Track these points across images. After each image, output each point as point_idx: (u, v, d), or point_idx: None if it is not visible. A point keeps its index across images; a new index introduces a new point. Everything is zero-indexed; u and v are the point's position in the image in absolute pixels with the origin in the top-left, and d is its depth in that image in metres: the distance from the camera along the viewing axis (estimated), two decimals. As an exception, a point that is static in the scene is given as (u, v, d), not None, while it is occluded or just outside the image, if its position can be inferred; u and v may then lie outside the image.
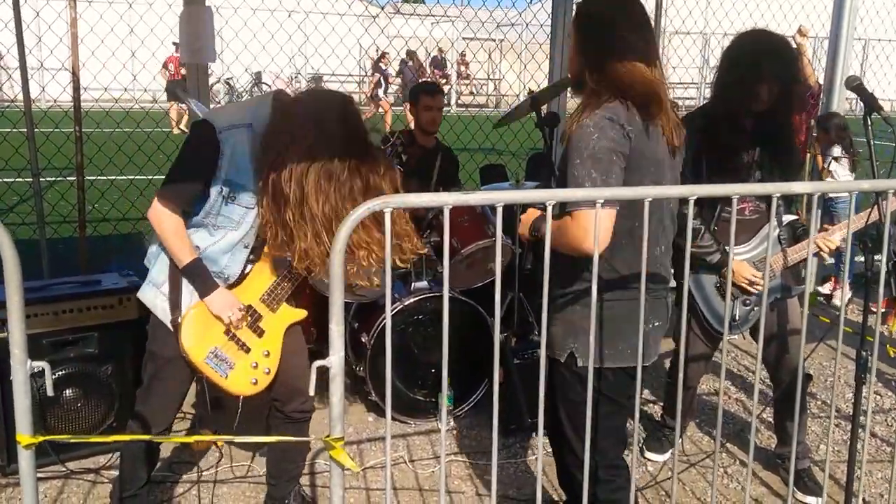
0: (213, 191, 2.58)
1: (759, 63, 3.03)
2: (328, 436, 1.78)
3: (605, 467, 2.41)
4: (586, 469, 2.19)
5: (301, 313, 2.92)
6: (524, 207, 2.39)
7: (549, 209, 1.85)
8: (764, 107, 3.09)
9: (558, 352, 2.38)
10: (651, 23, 2.37)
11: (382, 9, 19.25)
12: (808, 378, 3.47)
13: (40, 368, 1.76)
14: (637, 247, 2.25)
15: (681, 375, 2.27)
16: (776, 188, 2.08)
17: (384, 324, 3.91)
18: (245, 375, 2.78)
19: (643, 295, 2.12)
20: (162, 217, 2.60)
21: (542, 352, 2.05)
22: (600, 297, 2.22)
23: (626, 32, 2.25)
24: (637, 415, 2.29)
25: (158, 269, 2.71)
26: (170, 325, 2.68)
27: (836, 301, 6.17)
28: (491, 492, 2.09)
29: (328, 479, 3.51)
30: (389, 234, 1.76)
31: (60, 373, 3.41)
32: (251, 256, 2.77)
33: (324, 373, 1.76)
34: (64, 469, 3.41)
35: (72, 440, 3.40)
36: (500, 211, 1.79)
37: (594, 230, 2.00)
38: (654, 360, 2.53)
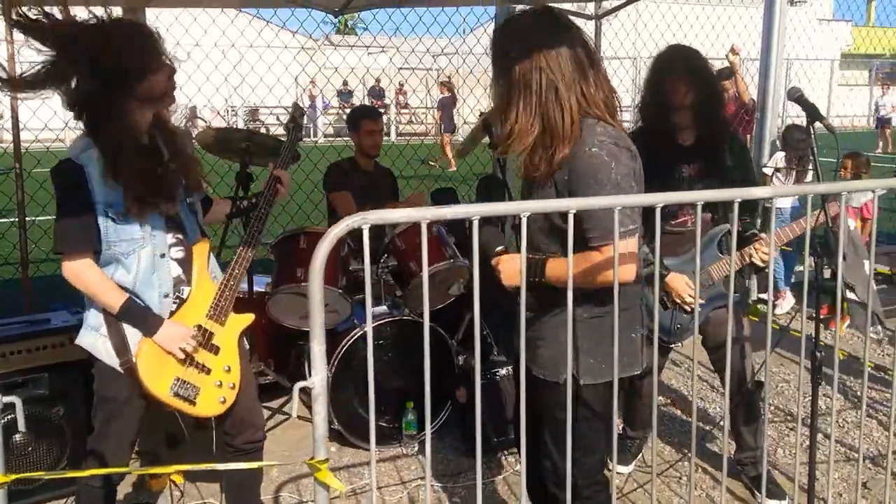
0: (100, 218, 2.53)
1: (663, 64, 3.26)
2: (312, 458, 1.75)
3: (588, 485, 2.37)
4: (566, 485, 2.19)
5: (248, 317, 2.86)
6: (488, 253, 2.34)
7: (524, 220, 1.86)
8: (682, 102, 3.20)
9: (550, 373, 2.30)
10: None
11: (311, 37, 19.25)
12: (758, 385, 3.52)
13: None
14: None
15: (658, 375, 2.29)
16: (737, 193, 2.13)
17: (345, 349, 3.88)
18: (212, 396, 2.73)
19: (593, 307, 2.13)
20: (78, 271, 2.54)
21: (522, 370, 2.06)
22: (591, 313, 2.23)
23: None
24: (616, 426, 2.29)
25: (94, 313, 2.63)
26: (120, 369, 2.60)
27: (780, 310, 6.35)
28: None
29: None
30: (368, 250, 1.76)
31: (10, 416, 3.28)
32: (183, 276, 2.71)
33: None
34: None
35: (46, 476, 3.29)
36: (476, 224, 1.80)
37: (621, 259, 2.04)
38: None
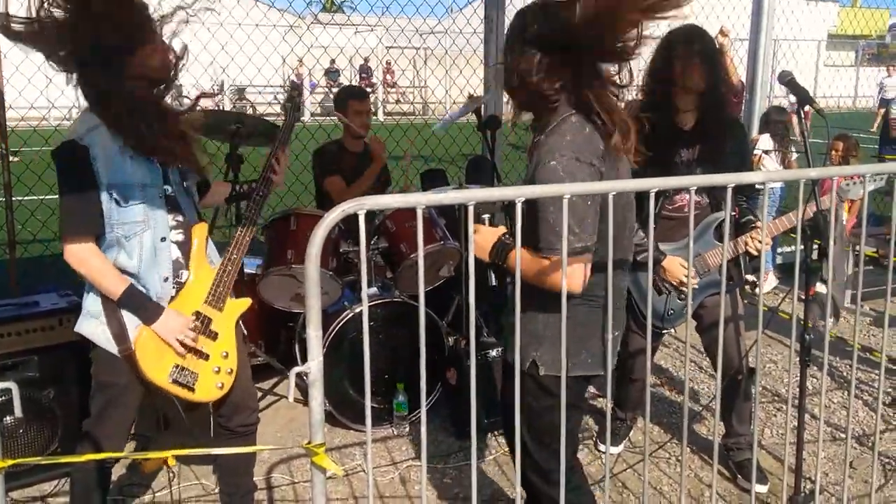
0: (104, 199, 2.49)
1: (676, 44, 3.15)
2: (309, 442, 1.76)
3: (558, 469, 2.35)
4: (562, 477, 2.20)
5: (246, 301, 2.87)
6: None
7: (519, 206, 1.86)
8: (691, 85, 3.14)
9: (521, 360, 2.29)
10: None
11: (300, 16, 19.03)
12: (751, 371, 3.53)
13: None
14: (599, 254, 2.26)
15: (653, 364, 2.31)
16: (731, 178, 2.14)
17: (336, 331, 3.89)
18: (210, 382, 2.73)
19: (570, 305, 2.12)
20: (81, 256, 2.50)
21: (517, 357, 2.07)
22: (558, 305, 2.24)
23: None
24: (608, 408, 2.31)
25: (92, 299, 2.61)
26: (119, 355, 2.59)
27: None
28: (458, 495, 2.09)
29: (286, 492, 3.49)
30: (364, 235, 1.75)
31: (2, 399, 3.28)
32: (182, 260, 2.70)
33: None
34: (8, 499, 3.28)
35: (43, 462, 3.27)
36: (471, 210, 1.80)
37: (573, 274, 2.05)
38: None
